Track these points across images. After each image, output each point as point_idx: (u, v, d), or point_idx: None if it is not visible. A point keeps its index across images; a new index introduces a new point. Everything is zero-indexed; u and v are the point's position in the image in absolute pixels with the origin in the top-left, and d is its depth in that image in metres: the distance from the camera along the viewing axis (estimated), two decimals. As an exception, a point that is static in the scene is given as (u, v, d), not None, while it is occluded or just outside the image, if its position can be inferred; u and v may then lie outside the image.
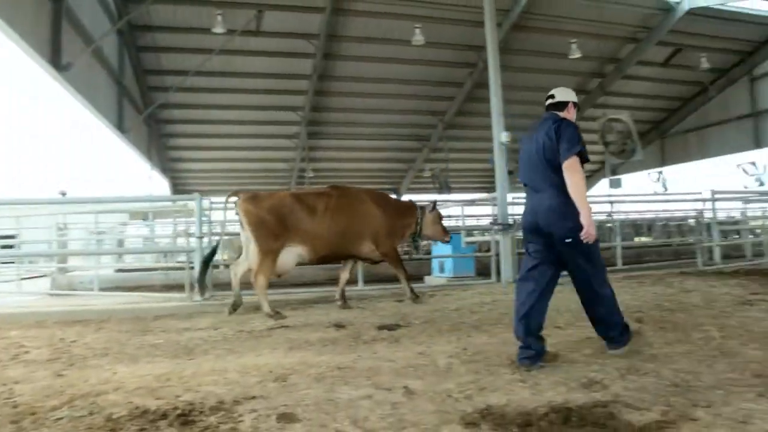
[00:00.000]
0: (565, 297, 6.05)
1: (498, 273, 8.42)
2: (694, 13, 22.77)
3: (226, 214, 7.30)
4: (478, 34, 22.80)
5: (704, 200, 10.47)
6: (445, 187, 25.53)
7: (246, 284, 6.84)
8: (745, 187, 25.43)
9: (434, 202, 7.72)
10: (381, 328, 5.02)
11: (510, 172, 24.13)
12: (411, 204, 7.80)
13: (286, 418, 2.84)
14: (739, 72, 27.08)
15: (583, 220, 3.56)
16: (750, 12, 23.31)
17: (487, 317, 5.20)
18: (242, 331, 5.31)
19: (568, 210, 3.62)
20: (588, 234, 3.55)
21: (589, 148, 3.92)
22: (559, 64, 24.01)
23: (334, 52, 22.28)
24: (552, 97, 4.10)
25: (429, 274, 9.88)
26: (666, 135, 30.78)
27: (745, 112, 27.05)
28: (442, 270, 9.35)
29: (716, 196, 10.16)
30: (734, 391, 2.80)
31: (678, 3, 22.45)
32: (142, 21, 17.94)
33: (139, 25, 18.12)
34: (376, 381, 3.42)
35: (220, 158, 27.82)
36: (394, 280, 7.64)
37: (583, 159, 3.68)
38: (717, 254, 9.69)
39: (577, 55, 21.78)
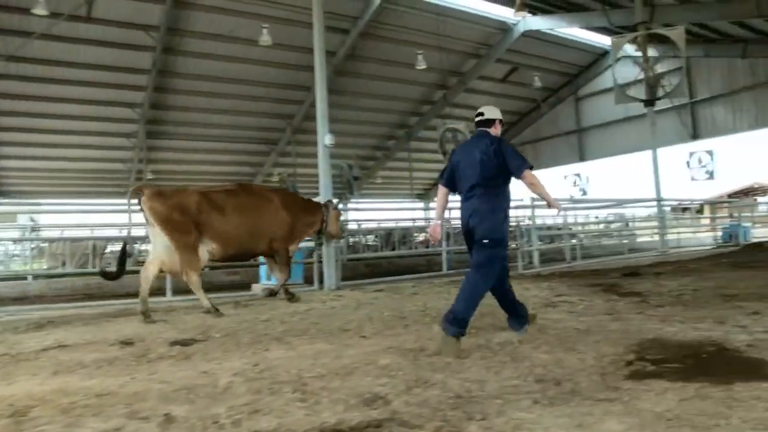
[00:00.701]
0: (383, 304, 5.91)
1: (321, 280, 8.14)
2: (529, 35, 24.52)
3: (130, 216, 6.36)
4: (327, 39, 22.76)
5: (524, 207, 11.06)
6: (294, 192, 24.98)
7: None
8: (571, 197, 27.77)
9: (338, 200, 7.73)
10: (174, 343, 4.46)
11: (356, 178, 24.14)
12: (316, 203, 7.76)
13: (-5, 466, 2.26)
14: (566, 92, 29.67)
15: (553, 204, 4.41)
16: (576, 39, 25.68)
17: (294, 328, 4.84)
18: (6, 355, 4.47)
19: (491, 216, 4.22)
20: (556, 206, 4.48)
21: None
22: (406, 73, 24.64)
23: (176, 46, 20.97)
24: (481, 114, 4.56)
25: (257, 281, 9.34)
26: (504, 147, 32.78)
27: (572, 128, 29.67)
28: (269, 278, 8.85)
29: (534, 203, 10.74)
30: (512, 400, 2.69)
31: (515, 24, 23.98)
32: (-61, -9, 15.55)
33: (-65, -4, 15.68)
34: (136, 408, 2.91)
35: (45, 156, 24.90)
36: (226, 288, 7.14)
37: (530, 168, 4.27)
38: (536, 258, 10.23)
39: (422, 66, 22.46)
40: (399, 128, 29.54)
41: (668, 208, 30.14)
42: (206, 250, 6.49)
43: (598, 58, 26.94)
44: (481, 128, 4.54)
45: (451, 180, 4.51)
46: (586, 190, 28.19)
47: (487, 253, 4.19)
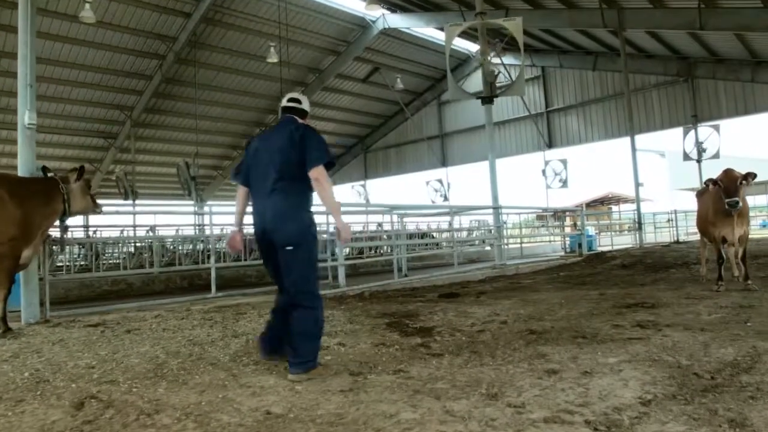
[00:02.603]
0: (53, 354, 4.01)
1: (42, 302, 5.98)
2: (390, 35, 23.52)
3: None
4: (167, 22, 20.35)
5: (328, 213, 9.42)
6: (130, 193, 22.12)
7: None
8: (433, 202, 27.15)
9: (81, 167, 6.06)
10: None
11: (193, 178, 21.66)
12: (52, 179, 5.86)
13: None
14: (430, 96, 29.12)
15: (338, 224, 3.69)
16: (438, 42, 24.83)
17: None
18: None
19: (293, 216, 3.56)
20: (346, 236, 3.75)
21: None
22: (259, 67, 22.73)
23: (-30, 16, 17.63)
24: (297, 101, 3.93)
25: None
26: (369, 149, 31.81)
27: (435, 133, 29.14)
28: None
29: (342, 209, 9.05)
30: None
31: (374, 21, 22.89)
32: None
33: None
34: None
35: None
36: None
37: (329, 165, 3.64)
38: (341, 274, 8.56)
39: (274, 59, 20.61)
40: (256, 126, 27.44)
41: (533, 216, 30.52)
42: None
43: (461, 62, 26.52)
44: (288, 114, 3.86)
45: (248, 176, 3.79)
46: (447, 196, 27.66)
47: (293, 261, 3.50)
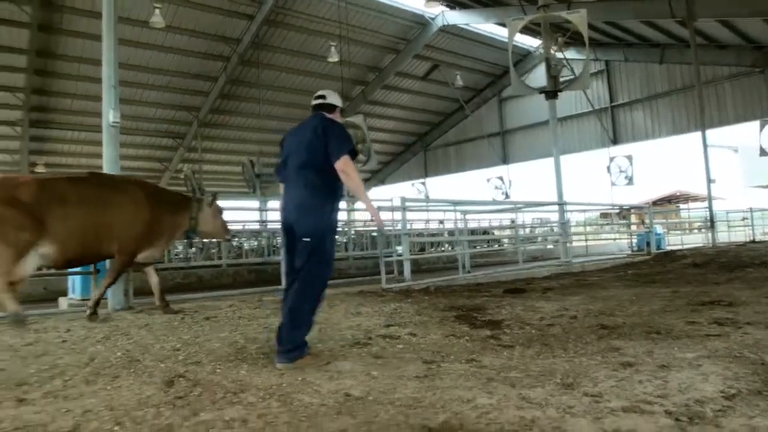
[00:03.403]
0: (140, 337, 4.26)
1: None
2: (449, 32, 23.44)
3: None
4: (230, 25, 21.03)
5: (393, 209, 9.51)
6: (197, 191, 22.88)
7: None
8: (494, 199, 26.88)
9: (214, 194, 6.64)
10: None
11: (258, 176, 22.30)
12: (185, 197, 6.65)
13: None
14: (490, 93, 28.80)
15: (370, 210, 4.02)
16: (498, 38, 24.54)
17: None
18: None
19: (315, 210, 3.69)
20: (379, 223, 4.15)
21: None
22: (319, 66, 23.11)
23: (56, 24, 18.77)
24: (323, 97, 4.06)
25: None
26: (429, 147, 31.78)
27: (495, 130, 28.81)
28: (74, 290, 7.08)
29: (407, 204, 9.05)
30: None
31: (433, 19, 22.86)
32: None
33: None
34: None
35: None
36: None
37: (353, 155, 3.73)
38: (407, 269, 8.58)
39: (335, 59, 20.92)
40: (317, 125, 27.89)
41: (597, 214, 29.77)
42: (39, 254, 5.04)
43: (522, 58, 26.12)
44: (318, 111, 4.00)
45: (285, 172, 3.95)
46: (508, 194, 27.33)
47: (311, 253, 3.63)
